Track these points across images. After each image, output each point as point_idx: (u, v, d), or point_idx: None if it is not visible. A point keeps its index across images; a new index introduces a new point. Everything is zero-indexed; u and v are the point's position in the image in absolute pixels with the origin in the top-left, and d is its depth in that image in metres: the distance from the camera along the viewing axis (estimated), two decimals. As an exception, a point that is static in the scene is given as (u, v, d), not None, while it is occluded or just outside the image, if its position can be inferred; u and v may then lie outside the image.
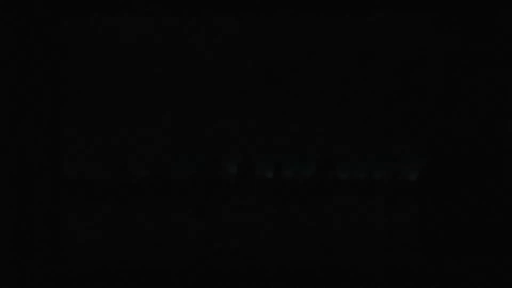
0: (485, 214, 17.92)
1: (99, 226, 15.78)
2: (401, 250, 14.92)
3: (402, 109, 21.20)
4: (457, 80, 19.75)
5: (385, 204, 15.64)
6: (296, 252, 14.77)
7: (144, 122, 21.01)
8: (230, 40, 21.16)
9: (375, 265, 13.70)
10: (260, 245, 15.34)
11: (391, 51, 21.40)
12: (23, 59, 19.60)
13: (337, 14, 20.89)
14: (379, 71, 21.30)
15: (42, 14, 19.28)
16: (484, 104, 19.78)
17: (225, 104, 19.62)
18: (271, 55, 21.25)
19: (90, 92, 21.05)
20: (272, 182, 17.05)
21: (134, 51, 21.19)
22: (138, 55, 21.14)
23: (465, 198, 18.82)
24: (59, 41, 20.18)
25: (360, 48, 21.49)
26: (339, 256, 14.43)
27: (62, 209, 18.80)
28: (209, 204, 15.48)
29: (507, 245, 14.93)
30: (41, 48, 19.91)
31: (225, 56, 21.05)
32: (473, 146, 19.74)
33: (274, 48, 21.10)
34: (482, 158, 19.53)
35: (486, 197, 18.81)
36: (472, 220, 17.23)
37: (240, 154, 18.56)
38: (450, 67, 19.88)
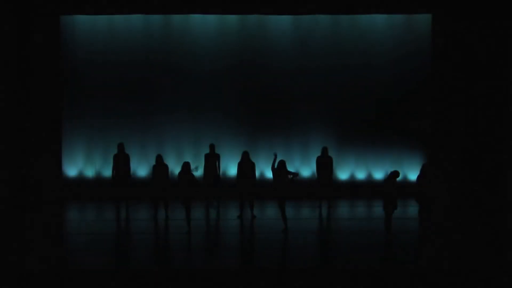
0: (483, 213, 17.84)
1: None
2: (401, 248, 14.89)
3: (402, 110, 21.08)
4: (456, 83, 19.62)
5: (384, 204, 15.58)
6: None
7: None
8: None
9: (375, 264, 13.67)
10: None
11: (389, 52, 21.28)
12: (25, 61, 19.47)
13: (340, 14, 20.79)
14: (378, 72, 21.18)
15: (42, 14, 19.14)
16: (482, 105, 19.66)
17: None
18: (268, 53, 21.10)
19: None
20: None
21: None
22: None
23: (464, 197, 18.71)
24: (58, 43, 20.01)
25: (360, 48, 21.37)
26: (339, 255, 14.40)
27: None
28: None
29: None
30: (42, 51, 19.75)
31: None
32: (472, 144, 19.61)
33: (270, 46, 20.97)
34: (481, 158, 19.40)
35: (485, 197, 18.69)
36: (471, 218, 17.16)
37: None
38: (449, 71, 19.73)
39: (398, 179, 15.50)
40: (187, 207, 15.63)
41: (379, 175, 20.56)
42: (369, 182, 20.59)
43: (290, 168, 20.11)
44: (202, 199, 18.63)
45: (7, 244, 14.84)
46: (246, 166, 17.49)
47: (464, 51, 20.04)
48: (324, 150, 18.70)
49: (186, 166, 15.76)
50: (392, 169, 16.26)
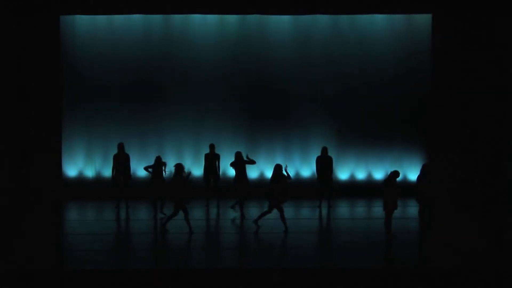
0: (484, 212, 17.82)
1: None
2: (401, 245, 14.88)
3: (402, 110, 21.06)
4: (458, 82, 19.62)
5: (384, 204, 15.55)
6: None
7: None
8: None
9: (375, 263, 13.66)
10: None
11: (391, 52, 21.24)
12: (26, 62, 19.46)
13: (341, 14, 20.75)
14: (379, 73, 21.16)
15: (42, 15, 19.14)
16: (482, 105, 19.68)
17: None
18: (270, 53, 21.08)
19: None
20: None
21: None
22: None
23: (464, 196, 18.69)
24: (58, 43, 20.04)
25: (360, 48, 21.33)
26: (339, 255, 14.38)
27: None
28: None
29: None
30: (43, 51, 19.77)
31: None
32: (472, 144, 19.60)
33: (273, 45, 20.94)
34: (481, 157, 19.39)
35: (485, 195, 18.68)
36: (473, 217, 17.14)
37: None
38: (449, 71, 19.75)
39: (398, 179, 15.45)
40: (183, 209, 15.57)
41: (379, 175, 20.53)
42: (369, 182, 20.57)
43: (291, 168, 20.11)
44: (201, 199, 18.65)
45: (7, 244, 14.83)
46: (240, 166, 17.57)
47: (464, 51, 20.05)
48: (324, 150, 18.67)
49: (179, 168, 15.73)
50: (392, 169, 16.22)
